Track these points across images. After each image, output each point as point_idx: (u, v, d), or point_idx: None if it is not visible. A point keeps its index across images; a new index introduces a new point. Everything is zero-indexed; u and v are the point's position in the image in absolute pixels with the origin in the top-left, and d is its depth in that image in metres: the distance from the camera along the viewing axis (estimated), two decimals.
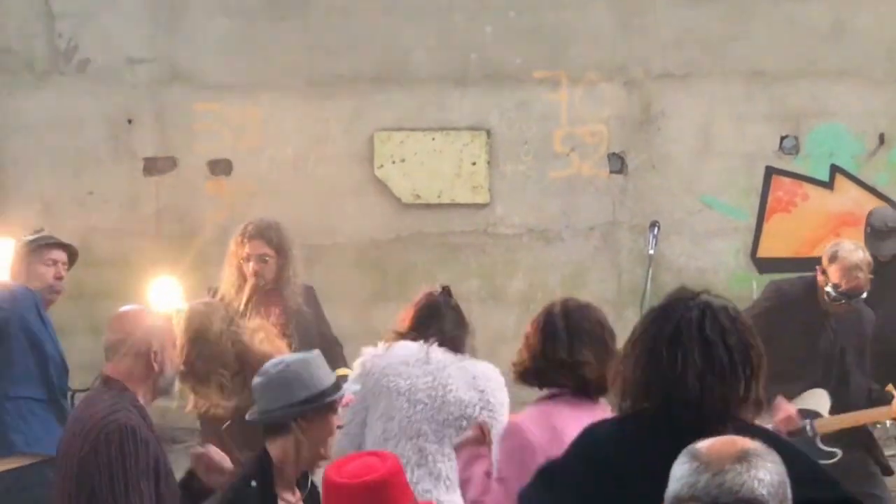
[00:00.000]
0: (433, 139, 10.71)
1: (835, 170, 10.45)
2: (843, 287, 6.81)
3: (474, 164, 10.70)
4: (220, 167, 10.97)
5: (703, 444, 2.68)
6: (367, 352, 5.48)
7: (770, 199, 10.50)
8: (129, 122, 11.00)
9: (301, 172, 10.82)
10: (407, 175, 10.74)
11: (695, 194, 10.58)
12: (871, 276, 6.91)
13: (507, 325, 10.12)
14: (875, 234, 7.80)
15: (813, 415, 6.91)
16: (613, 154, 10.67)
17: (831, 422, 6.91)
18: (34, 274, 6.74)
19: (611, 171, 10.68)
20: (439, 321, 5.47)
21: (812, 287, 6.98)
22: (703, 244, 10.59)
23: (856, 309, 7.06)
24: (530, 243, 10.74)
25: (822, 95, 10.47)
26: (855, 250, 6.95)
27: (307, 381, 4.32)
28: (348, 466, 3.67)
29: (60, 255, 6.86)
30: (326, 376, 4.40)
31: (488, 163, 10.71)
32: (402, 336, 5.48)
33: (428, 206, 10.75)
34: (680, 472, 2.64)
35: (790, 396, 6.88)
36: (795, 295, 7.06)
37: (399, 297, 10.67)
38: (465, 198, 10.73)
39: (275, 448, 4.35)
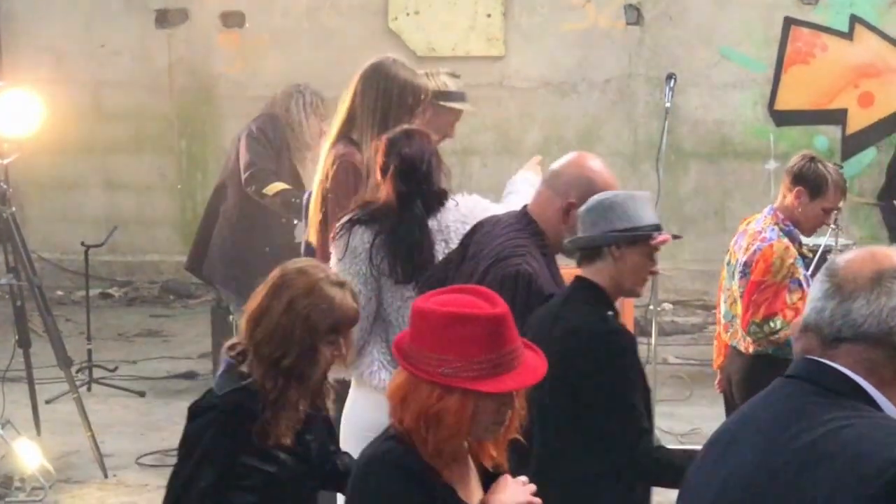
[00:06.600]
0: None
1: (854, 20, 10.31)
2: None
3: (489, 16, 10.58)
4: (233, 19, 10.85)
5: (843, 259, 2.38)
6: None
7: (788, 50, 10.38)
8: None
9: (314, 24, 10.71)
10: (421, 27, 10.63)
11: (712, 46, 10.47)
12: None
13: None
14: None
15: None
16: (630, 5, 10.54)
17: None
18: (434, 124, 5.86)
19: (627, 23, 10.56)
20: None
21: None
22: (720, 96, 10.51)
23: None
24: (546, 96, 10.66)
25: None
26: None
27: (627, 214, 4.21)
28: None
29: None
30: (648, 217, 4.29)
31: (503, 14, 10.59)
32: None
33: (442, 58, 10.62)
34: (814, 293, 2.38)
35: None
36: None
37: None
38: (480, 50, 10.63)
39: (590, 272, 4.28)
